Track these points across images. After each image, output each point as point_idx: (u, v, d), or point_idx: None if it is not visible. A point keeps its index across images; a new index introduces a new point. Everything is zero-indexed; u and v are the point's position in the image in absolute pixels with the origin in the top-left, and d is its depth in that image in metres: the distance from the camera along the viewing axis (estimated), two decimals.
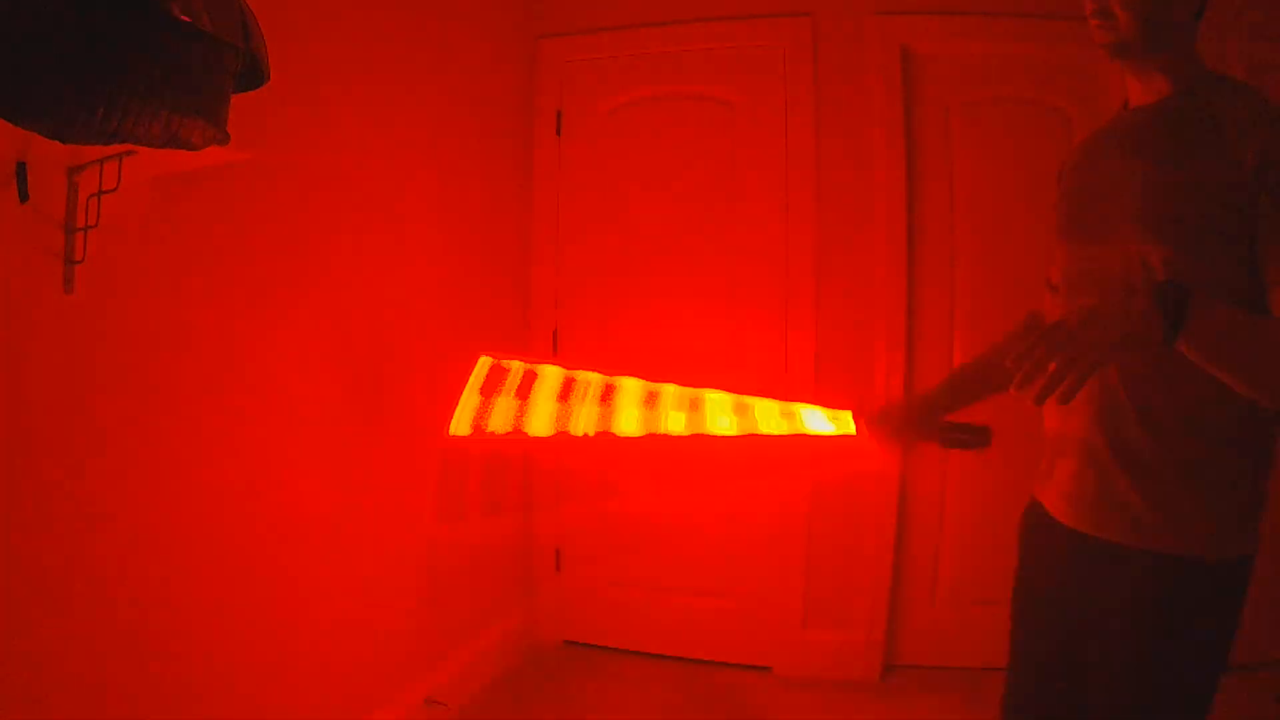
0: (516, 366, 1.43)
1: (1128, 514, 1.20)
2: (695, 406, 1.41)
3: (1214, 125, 1.14)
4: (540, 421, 1.39)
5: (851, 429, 1.46)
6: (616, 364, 1.44)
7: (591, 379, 1.41)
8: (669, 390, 1.41)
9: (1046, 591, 1.36)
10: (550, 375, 1.42)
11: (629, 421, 1.39)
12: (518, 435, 1.39)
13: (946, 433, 1.50)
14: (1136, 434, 1.19)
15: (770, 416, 1.42)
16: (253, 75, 1.31)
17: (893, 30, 2.77)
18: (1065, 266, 1.34)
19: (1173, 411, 1.17)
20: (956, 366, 1.61)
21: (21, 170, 1.32)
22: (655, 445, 1.40)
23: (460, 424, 1.41)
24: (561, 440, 1.40)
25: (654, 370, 1.39)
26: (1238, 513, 1.18)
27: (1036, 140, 2.74)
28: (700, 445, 1.42)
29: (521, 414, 1.39)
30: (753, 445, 1.42)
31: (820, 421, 1.45)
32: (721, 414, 1.41)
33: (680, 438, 1.40)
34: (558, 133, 3.06)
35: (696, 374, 1.43)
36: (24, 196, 1.33)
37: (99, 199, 1.40)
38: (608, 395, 1.41)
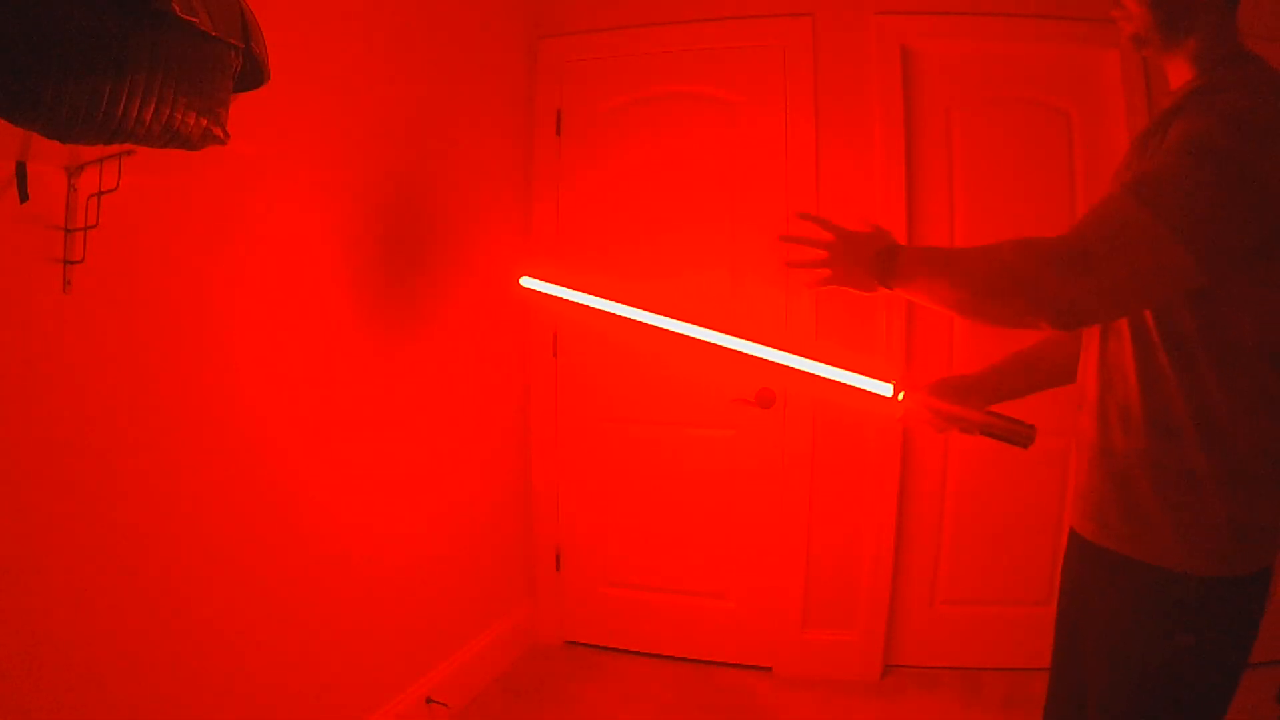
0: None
1: (1122, 522, 1.18)
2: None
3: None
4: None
5: (888, 393, 1.50)
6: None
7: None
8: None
9: (1065, 598, 1.37)
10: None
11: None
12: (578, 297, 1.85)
13: (992, 416, 1.43)
14: (1131, 441, 1.17)
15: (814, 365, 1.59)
16: (253, 75, 1.31)
17: (893, 30, 2.77)
18: None
19: (1181, 420, 1.12)
20: (998, 361, 1.55)
21: (21, 170, 1.32)
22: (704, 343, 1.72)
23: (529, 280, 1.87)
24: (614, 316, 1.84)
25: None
26: (1235, 529, 1.11)
27: (1036, 140, 2.74)
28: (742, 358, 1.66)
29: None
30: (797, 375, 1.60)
31: (863, 381, 1.53)
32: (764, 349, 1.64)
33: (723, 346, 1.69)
34: (558, 132, 3.06)
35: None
36: (24, 196, 1.33)
37: (99, 199, 1.40)
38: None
